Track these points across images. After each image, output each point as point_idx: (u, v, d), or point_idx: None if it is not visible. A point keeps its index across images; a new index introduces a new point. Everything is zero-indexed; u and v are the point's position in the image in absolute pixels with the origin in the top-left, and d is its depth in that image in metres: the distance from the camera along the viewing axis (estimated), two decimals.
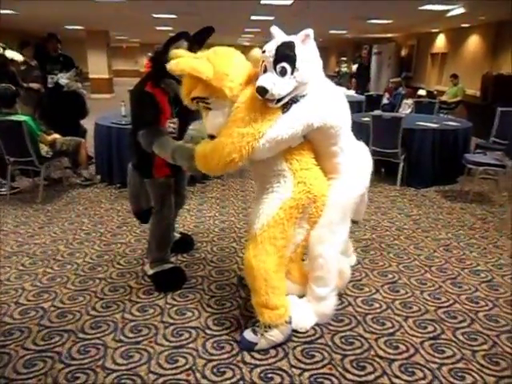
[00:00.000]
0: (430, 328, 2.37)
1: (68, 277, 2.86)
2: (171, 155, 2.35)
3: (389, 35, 15.14)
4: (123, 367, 2.03)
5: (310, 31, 1.93)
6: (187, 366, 2.04)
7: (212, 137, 2.11)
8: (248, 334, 2.20)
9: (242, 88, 2.01)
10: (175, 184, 2.82)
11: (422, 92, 10.80)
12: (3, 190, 4.44)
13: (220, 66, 1.95)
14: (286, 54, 1.90)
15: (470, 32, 11.72)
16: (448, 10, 8.56)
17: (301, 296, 2.37)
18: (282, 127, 1.97)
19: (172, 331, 2.30)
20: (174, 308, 2.52)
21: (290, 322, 2.18)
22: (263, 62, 1.97)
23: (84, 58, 14.84)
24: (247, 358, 2.10)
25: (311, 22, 12.14)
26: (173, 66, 1.95)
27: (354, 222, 2.43)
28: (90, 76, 15.22)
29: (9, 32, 11.59)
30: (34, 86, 5.61)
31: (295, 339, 2.25)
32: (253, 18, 10.66)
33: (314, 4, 8.00)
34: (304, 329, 2.29)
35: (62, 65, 5.97)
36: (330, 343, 2.23)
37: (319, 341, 2.25)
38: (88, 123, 5.59)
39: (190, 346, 2.19)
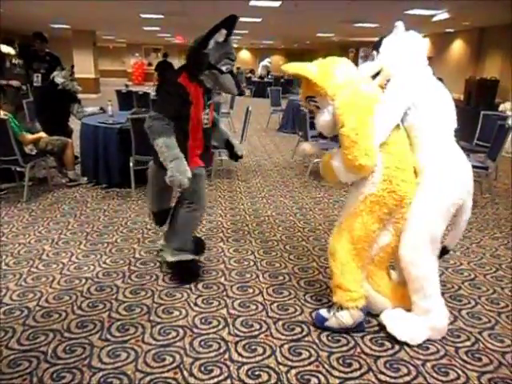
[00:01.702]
0: None
1: (53, 276, 2.83)
2: (169, 159, 2.40)
3: (375, 39, 15.35)
4: (110, 366, 2.02)
5: (399, 24, 2.32)
6: (174, 365, 2.04)
7: (320, 134, 2.44)
8: (322, 311, 2.39)
9: (340, 88, 2.17)
10: None
11: None
12: None
13: (323, 67, 2.22)
14: (376, 45, 2.39)
15: (454, 37, 11.95)
16: (433, 15, 8.71)
17: (384, 308, 2.37)
18: (386, 108, 2.14)
19: (159, 330, 2.30)
20: (161, 307, 2.51)
21: (363, 311, 2.25)
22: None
23: (70, 58, 14.67)
24: (234, 356, 2.11)
25: (298, 25, 12.26)
26: (283, 69, 2.27)
27: (444, 251, 2.33)
28: (76, 76, 15.02)
29: None
30: (14, 83, 5.57)
31: (282, 337, 2.27)
32: (241, 19, 10.70)
33: (301, 6, 8.07)
34: (415, 342, 2.21)
35: (48, 63, 5.93)
36: (316, 341, 2.25)
37: (306, 338, 2.27)
38: (74, 123, 5.54)
39: (178, 344, 2.19)
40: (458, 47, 11.91)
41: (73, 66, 5.75)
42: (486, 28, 10.44)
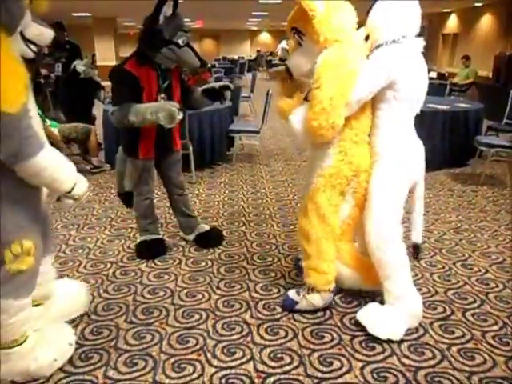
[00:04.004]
0: (440, 309, 2.37)
1: (80, 261, 2.90)
2: (150, 113, 2.39)
3: None
4: (135, 348, 2.07)
5: None
6: (198, 347, 2.07)
7: (288, 69, 2.20)
8: (291, 293, 2.35)
9: (333, 42, 2.00)
10: (165, 171, 2.93)
11: (432, 74, 10.62)
12: None
13: (330, 13, 1.98)
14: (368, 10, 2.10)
15: (483, 11, 11.46)
16: None
17: (353, 281, 2.36)
18: (362, 85, 1.98)
19: (182, 313, 2.33)
20: (185, 290, 2.55)
21: (332, 292, 2.26)
22: None
23: (91, 46, 14.81)
24: (257, 339, 2.12)
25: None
26: None
27: (416, 247, 2.23)
28: (98, 63, 15.19)
29: None
30: (44, 71, 5.68)
31: (304, 320, 2.27)
32: (261, 1, 10.54)
33: None
34: (398, 336, 2.09)
35: (68, 52, 6.00)
36: (339, 324, 2.24)
37: (328, 322, 2.26)
38: (97, 110, 5.61)
39: (201, 327, 2.22)
40: (486, 22, 11.41)
41: (94, 55, 5.82)
42: None
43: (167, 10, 2.44)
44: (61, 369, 1.91)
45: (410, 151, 2.15)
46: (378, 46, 2.05)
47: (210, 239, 3.11)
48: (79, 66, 5.08)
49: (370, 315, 2.17)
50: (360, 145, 2.14)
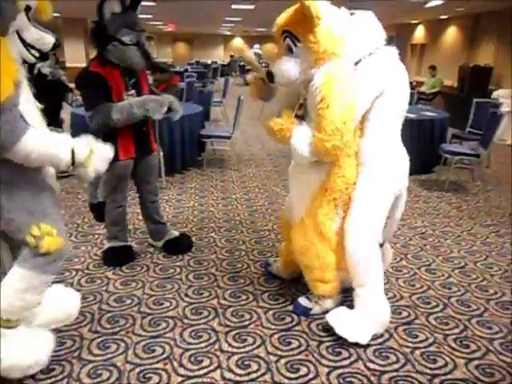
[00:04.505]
0: (405, 314, 2.43)
1: None
2: (136, 107, 2.43)
3: None
4: (99, 358, 2.02)
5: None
6: (164, 356, 2.04)
7: (270, 74, 2.07)
8: (303, 301, 2.40)
9: (328, 59, 1.95)
10: (143, 175, 2.86)
11: None
12: None
13: (332, 23, 1.93)
14: None
15: (449, 23, 11.88)
16: (426, 1, 8.64)
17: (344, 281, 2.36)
18: (361, 99, 1.99)
19: (149, 321, 2.30)
20: (152, 298, 2.51)
21: (341, 293, 2.35)
22: None
23: (61, 47, 14.45)
24: (224, 347, 2.11)
25: None
26: None
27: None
28: (67, 65, 14.88)
29: None
30: None
31: (272, 327, 2.27)
32: (233, 6, 10.56)
33: None
34: (365, 340, 2.12)
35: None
36: (306, 330, 2.26)
37: (296, 328, 2.27)
38: (65, 113, 5.48)
39: (168, 335, 2.19)
40: (451, 34, 11.84)
41: (55, 54, 5.58)
42: (480, 14, 10.37)
43: (114, 6, 2.42)
44: (20, 381, 1.84)
45: (395, 161, 2.19)
46: (357, 63, 2.07)
47: (178, 245, 3.08)
48: (44, 68, 4.93)
49: (338, 317, 2.19)
50: (351, 157, 2.15)
